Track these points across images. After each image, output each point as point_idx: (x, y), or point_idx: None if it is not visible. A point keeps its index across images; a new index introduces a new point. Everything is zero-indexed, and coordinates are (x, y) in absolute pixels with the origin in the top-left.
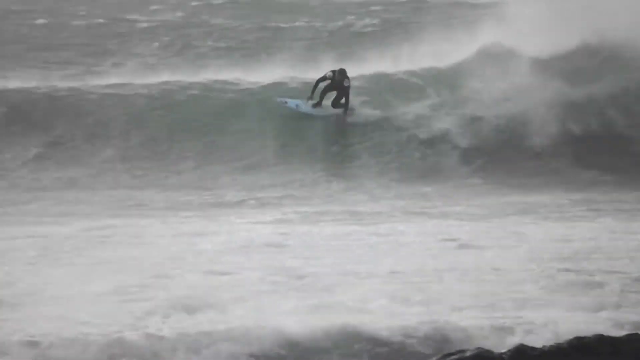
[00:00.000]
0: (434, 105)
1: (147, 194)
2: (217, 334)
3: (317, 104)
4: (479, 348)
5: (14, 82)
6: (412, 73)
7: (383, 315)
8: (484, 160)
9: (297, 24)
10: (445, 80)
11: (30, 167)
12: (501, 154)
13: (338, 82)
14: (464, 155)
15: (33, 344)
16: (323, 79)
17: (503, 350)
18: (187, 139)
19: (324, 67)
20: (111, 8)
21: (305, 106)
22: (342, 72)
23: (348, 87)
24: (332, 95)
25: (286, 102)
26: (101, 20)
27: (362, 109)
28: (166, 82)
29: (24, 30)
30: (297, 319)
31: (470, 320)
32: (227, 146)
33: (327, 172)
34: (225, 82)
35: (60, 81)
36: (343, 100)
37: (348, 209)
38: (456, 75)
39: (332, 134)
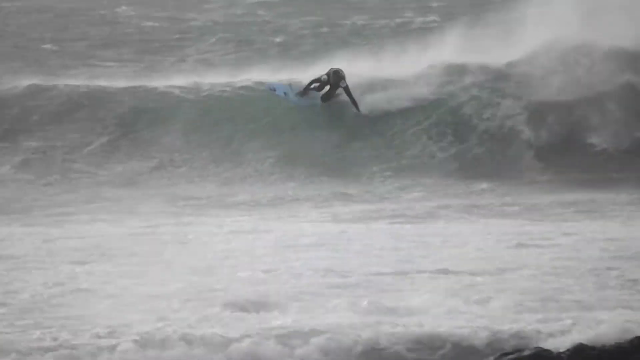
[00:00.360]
0: (496, 98)
1: (204, 189)
2: (290, 334)
3: (304, 93)
4: (537, 347)
5: (77, 80)
6: (474, 64)
7: (440, 314)
8: (545, 156)
9: (355, 20)
10: (508, 73)
11: (89, 163)
12: (564, 149)
13: (334, 84)
14: (524, 150)
15: (101, 346)
16: (317, 81)
17: (562, 350)
18: (245, 133)
19: (383, 62)
20: (168, 6)
21: (293, 96)
22: (337, 74)
23: (346, 87)
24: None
25: (274, 90)
26: (159, 19)
27: (418, 95)
28: (226, 79)
29: (85, 28)
30: (357, 318)
31: (528, 320)
32: (283, 140)
33: (382, 165)
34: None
35: (121, 78)
36: (335, 94)
37: (402, 207)
38: (520, 68)
39: (389, 127)
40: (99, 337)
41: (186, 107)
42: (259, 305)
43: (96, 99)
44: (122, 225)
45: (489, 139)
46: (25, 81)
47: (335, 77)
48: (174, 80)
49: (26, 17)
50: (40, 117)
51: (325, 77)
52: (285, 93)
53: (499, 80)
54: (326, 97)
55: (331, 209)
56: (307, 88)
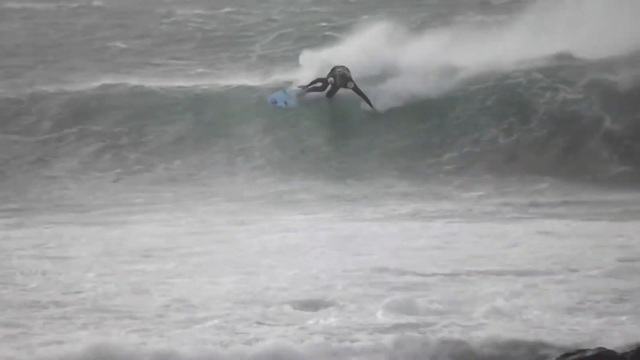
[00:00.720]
0: (557, 84)
1: (261, 186)
2: (353, 333)
3: (303, 94)
4: (600, 348)
5: (145, 77)
6: (538, 54)
7: (500, 315)
8: (609, 144)
9: (415, 18)
10: (572, 59)
11: (153, 158)
12: (631, 138)
13: (341, 86)
14: (588, 139)
15: (165, 346)
16: (321, 81)
17: (626, 350)
18: (312, 130)
19: (447, 53)
20: (225, 4)
21: (292, 101)
22: (344, 77)
23: (354, 87)
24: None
25: (275, 102)
26: (217, 17)
27: (481, 80)
28: (289, 75)
29: (147, 27)
30: (416, 319)
31: (591, 320)
32: (348, 135)
33: (442, 157)
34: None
35: (188, 75)
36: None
37: (462, 206)
38: (586, 55)
39: (450, 111)
40: (160, 337)
41: (250, 101)
42: (316, 305)
43: (163, 95)
44: (179, 225)
45: (551, 125)
46: (95, 78)
47: (343, 80)
48: (239, 75)
49: (88, 16)
50: (109, 113)
51: (332, 79)
52: (285, 102)
53: (562, 66)
54: (330, 94)
55: (386, 207)
56: (308, 88)
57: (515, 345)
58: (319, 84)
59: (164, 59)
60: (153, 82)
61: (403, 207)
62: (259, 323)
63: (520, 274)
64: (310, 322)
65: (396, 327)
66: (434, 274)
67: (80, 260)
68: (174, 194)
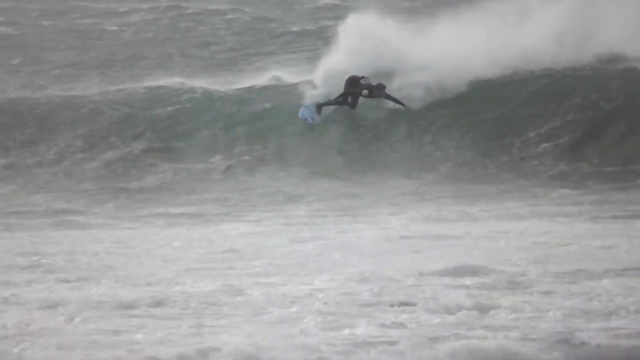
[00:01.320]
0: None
1: (353, 184)
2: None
3: (323, 105)
4: None
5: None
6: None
7: (604, 314)
8: None
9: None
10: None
11: (222, 156)
12: None
13: (377, 96)
14: None
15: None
16: (353, 94)
17: None
18: (379, 131)
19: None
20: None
21: (314, 114)
22: (379, 87)
23: (387, 96)
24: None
25: (306, 119)
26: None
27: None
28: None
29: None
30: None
31: None
32: (428, 132)
33: (529, 157)
34: None
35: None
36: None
37: (553, 203)
38: None
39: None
40: (260, 337)
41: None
42: (407, 305)
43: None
44: (268, 224)
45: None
46: (192, 74)
47: (379, 90)
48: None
49: (179, 18)
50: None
51: (367, 92)
52: (312, 118)
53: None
54: (354, 104)
55: (475, 208)
56: (334, 100)
57: (626, 347)
58: (340, 98)
59: (257, 57)
60: (249, 80)
61: (491, 206)
62: (358, 323)
63: (615, 274)
64: (407, 323)
65: (491, 330)
66: (524, 274)
67: (172, 260)
68: (267, 191)
